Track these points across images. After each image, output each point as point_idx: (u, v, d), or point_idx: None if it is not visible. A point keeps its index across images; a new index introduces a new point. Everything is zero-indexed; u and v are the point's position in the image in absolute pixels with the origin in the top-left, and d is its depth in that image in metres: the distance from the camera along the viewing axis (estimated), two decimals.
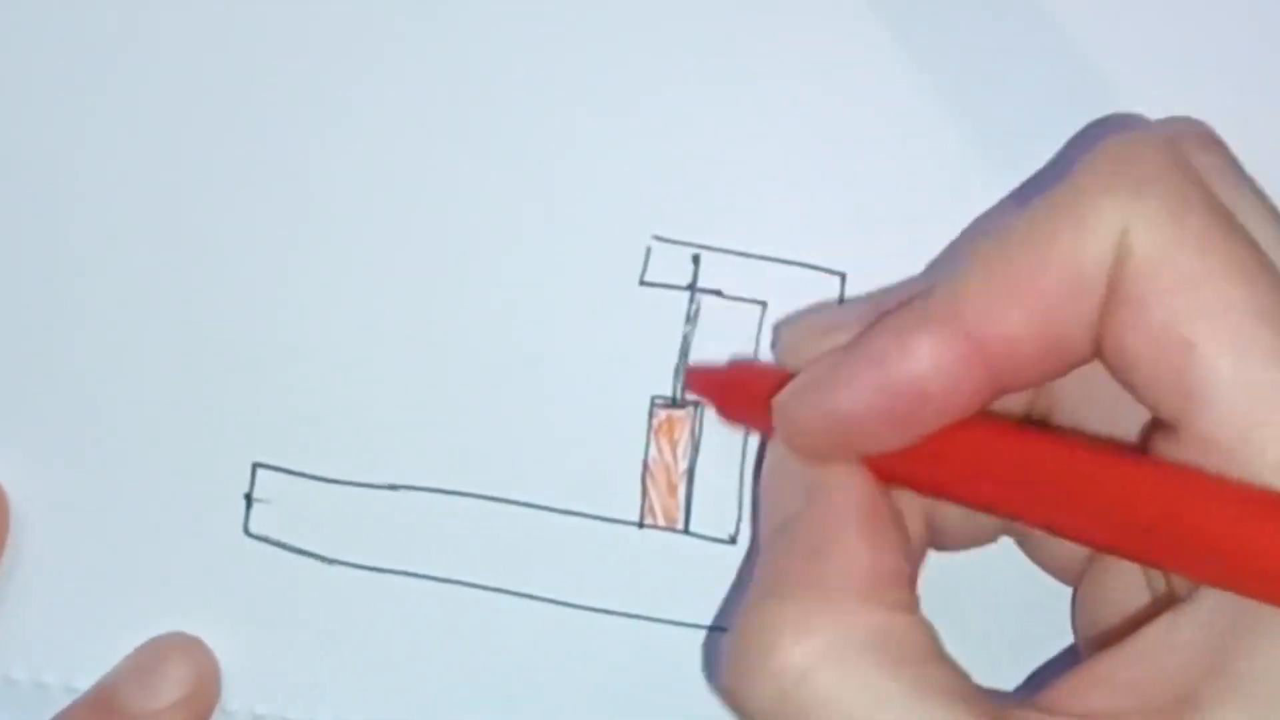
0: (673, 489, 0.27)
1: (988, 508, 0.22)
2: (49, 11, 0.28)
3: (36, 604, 0.28)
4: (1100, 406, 0.23)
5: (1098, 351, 0.21)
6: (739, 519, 0.27)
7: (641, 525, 0.27)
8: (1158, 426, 0.21)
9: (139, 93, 0.27)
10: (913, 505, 0.24)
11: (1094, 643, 0.23)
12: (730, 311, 0.27)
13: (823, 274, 0.27)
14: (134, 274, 0.27)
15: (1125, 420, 0.23)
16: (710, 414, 0.27)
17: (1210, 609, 0.20)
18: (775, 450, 0.24)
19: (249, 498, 0.27)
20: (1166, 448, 0.20)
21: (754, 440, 0.27)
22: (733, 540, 0.27)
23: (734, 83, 0.27)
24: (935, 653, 0.21)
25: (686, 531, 0.27)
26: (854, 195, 0.27)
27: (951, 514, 0.25)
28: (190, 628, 0.27)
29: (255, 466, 0.27)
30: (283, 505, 0.27)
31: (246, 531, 0.27)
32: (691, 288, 0.27)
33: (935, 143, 0.27)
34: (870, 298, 0.26)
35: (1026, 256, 0.21)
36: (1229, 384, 0.20)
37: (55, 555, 0.28)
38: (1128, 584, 0.22)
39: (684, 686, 0.27)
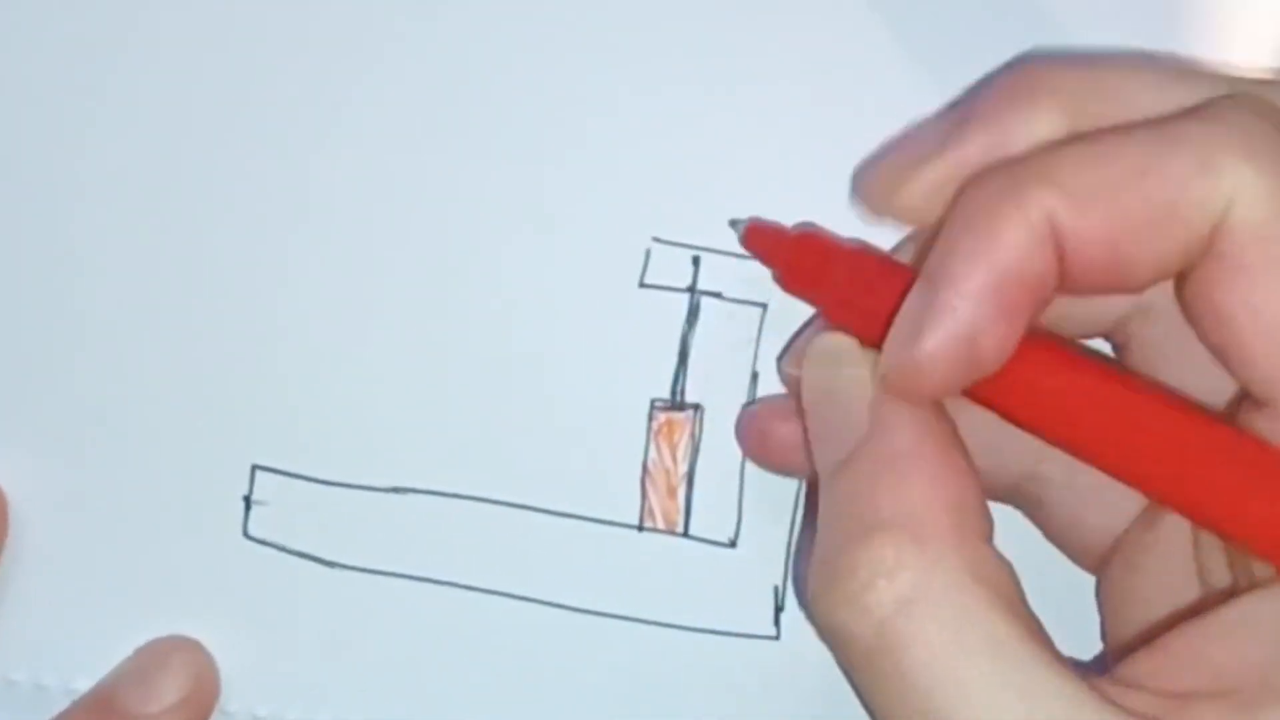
0: (672, 492, 0.27)
1: (1043, 431, 0.22)
2: (49, 11, 0.28)
3: (36, 605, 0.28)
4: (1170, 361, 0.23)
5: (1181, 301, 0.21)
6: (738, 522, 0.27)
7: (641, 528, 0.27)
8: (1247, 400, 0.21)
9: (138, 94, 0.27)
10: None
11: (1134, 628, 0.23)
12: (730, 313, 0.27)
13: None
14: (134, 275, 0.27)
15: (1195, 384, 0.23)
16: (710, 417, 0.27)
17: None
18: (821, 371, 0.24)
19: (248, 500, 0.27)
20: (1255, 421, 0.20)
21: None
22: (732, 543, 0.27)
23: (734, 84, 0.27)
24: (1020, 592, 0.21)
25: (686, 535, 0.27)
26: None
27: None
28: (189, 630, 0.27)
29: (254, 469, 0.27)
30: (282, 508, 0.27)
31: (245, 534, 0.27)
32: (692, 289, 0.27)
33: None
34: (934, 117, 0.26)
35: (1132, 167, 0.21)
36: None
37: (55, 557, 0.28)
38: (1170, 566, 0.22)
39: (683, 690, 0.27)
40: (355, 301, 0.27)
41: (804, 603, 0.26)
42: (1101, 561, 0.24)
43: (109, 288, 0.27)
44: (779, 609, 0.27)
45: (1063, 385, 0.21)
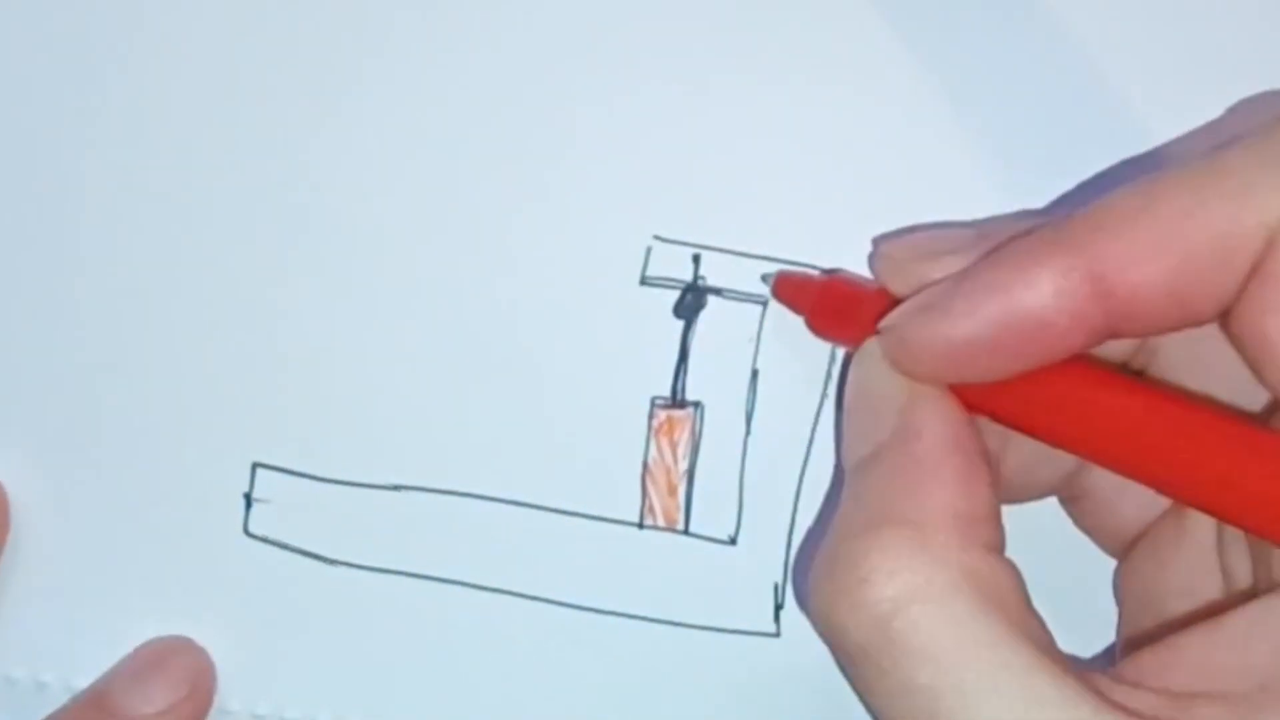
0: (673, 489, 0.27)
1: (1072, 446, 0.22)
2: (55, 14, 0.28)
3: (36, 603, 0.28)
4: (1203, 371, 0.23)
5: (1223, 321, 0.21)
6: (739, 520, 0.27)
7: (641, 526, 0.27)
8: (1274, 407, 0.21)
9: (141, 94, 0.27)
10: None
11: (1152, 618, 0.23)
12: (730, 311, 0.27)
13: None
14: (134, 274, 0.27)
15: (1225, 389, 0.23)
16: (710, 415, 0.27)
17: None
18: (862, 371, 0.24)
19: (249, 498, 0.27)
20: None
21: (755, 442, 0.27)
22: (733, 541, 0.26)
23: (734, 83, 0.27)
24: (1025, 600, 0.21)
25: (686, 532, 0.27)
26: (853, 195, 0.26)
27: (1012, 464, 0.25)
28: (190, 628, 0.27)
29: (255, 466, 0.27)
30: (282, 505, 0.27)
31: (246, 531, 0.27)
32: (692, 286, 0.27)
33: (934, 142, 0.27)
34: (978, 225, 0.26)
35: (1177, 211, 0.21)
36: None
37: (55, 555, 0.28)
38: (1193, 561, 0.23)
39: (683, 687, 0.27)
40: (355, 299, 0.27)
41: (803, 597, 0.26)
42: (1128, 550, 0.24)
43: (110, 285, 0.27)
44: (779, 606, 0.27)
45: (1081, 399, 0.22)
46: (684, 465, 0.27)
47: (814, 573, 0.22)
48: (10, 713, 0.28)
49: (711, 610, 0.26)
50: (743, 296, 0.27)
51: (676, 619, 0.27)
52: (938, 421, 0.22)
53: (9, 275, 0.27)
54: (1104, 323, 0.21)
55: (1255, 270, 0.20)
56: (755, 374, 0.27)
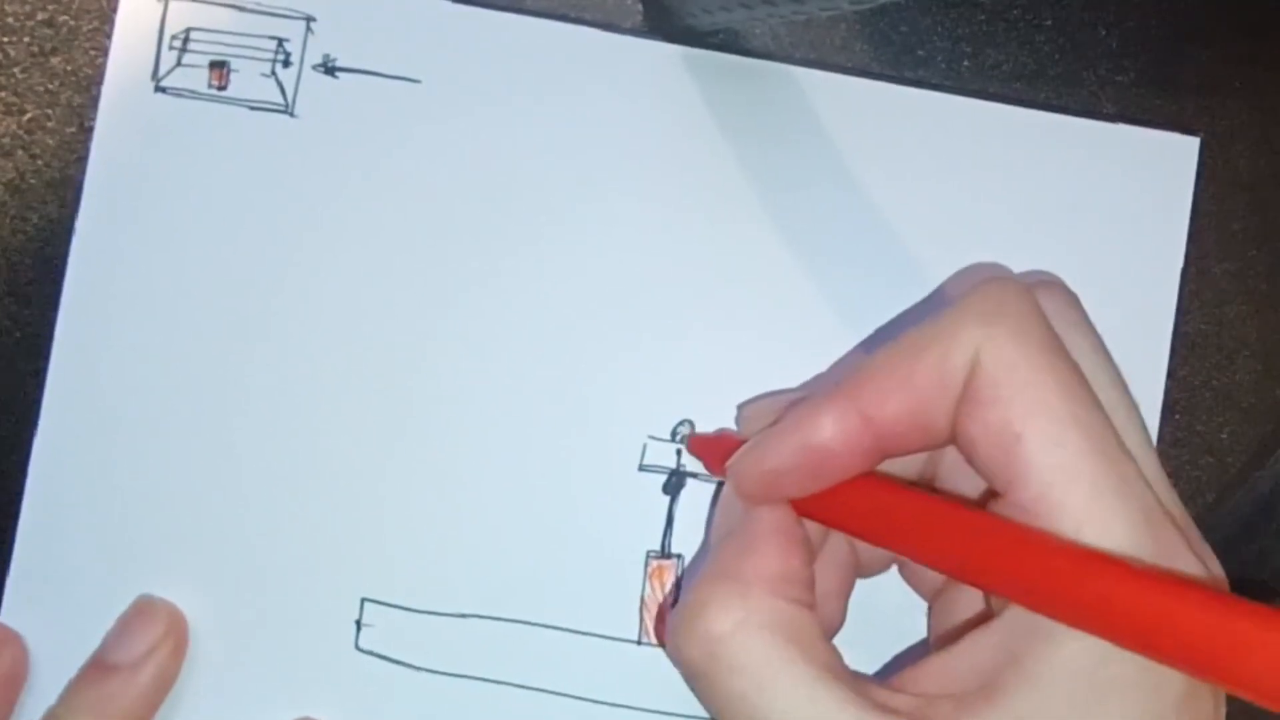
0: (662, 617, 0.30)
1: (870, 539, 0.24)
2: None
3: (203, 705, 0.30)
4: (966, 475, 0.25)
5: (952, 435, 0.23)
6: None
7: (639, 643, 0.30)
8: (990, 493, 0.23)
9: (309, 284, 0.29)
10: (844, 544, 0.27)
11: (938, 644, 0.25)
12: (703, 489, 0.31)
13: None
14: (290, 485, 0.30)
15: (979, 488, 0.25)
16: (689, 563, 0.30)
17: (1013, 623, 0.22)
18: (728, 489, 0.26)
19: (358, 623, 0.30)
20: (995, 509, 0.22)
21: None
22: None
23: (707, 334, 0.31)
24: (819, 636, 0.23)
25: None
26: None
27: (861, 549, 0.27)
28: (317, 715, 0.30)
29: (363, 601, 0.30)
30: (383, 628, 0.30)
31: (357, 647, 0.30)
32: (675, 471, 0.30)
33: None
34: (799, 388, 0.29)
35: (908, 360, 0.23)
36: (1043, 467, 0.21)
37: (222, 665, 0.30)
38: (970, 603, 0.25)
39: None
40: (440, 498, 0.30)
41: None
42: (935, 598, 0.27)
43: (269, 505, 0.30)
44: None
45: (873, 506, 0.24)
46: (671, 600, 0.30)
47: (671, 615, 0.24)
48: None
49: (692, 703, 0.26)
50: (710, 479, 0.31)
51: (667, 709, 0.30)
52: (768, 515, 0.24)
53: (177, 469, 0.30)
54: (875, 446, 0.23)
55: (964, 392, 0.22)
56: None
